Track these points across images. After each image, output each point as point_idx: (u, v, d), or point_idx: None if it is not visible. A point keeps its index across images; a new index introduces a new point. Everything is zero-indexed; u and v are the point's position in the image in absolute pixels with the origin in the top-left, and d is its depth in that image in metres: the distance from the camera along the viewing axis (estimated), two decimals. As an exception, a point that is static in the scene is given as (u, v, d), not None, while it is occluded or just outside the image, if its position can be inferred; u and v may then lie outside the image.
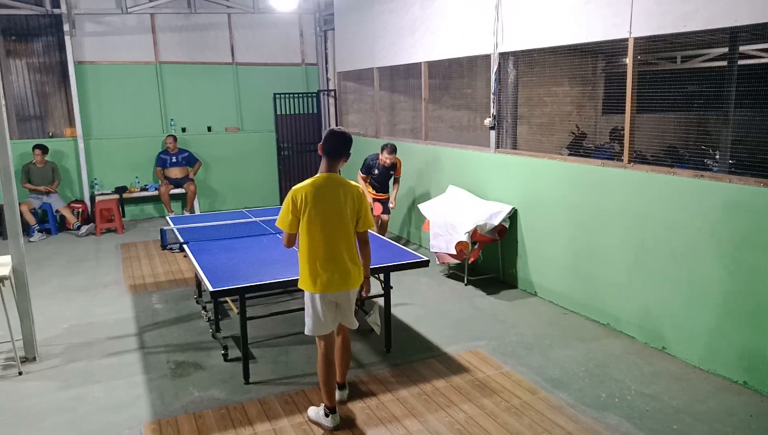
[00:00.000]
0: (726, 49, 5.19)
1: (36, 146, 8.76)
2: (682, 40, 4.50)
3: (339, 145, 3.45)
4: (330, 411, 3.57)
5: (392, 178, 7.26)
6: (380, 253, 4.71)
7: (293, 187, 3.44)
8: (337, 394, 3.77)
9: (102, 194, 9.40)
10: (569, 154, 5.79)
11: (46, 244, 8.41)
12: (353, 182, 3.55)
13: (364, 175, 7.20)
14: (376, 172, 7.14)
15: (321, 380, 3.58)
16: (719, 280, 4.04)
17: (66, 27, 8.96)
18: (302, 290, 3.55)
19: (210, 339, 4.92)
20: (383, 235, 6.51)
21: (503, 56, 5.86)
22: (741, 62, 4.94)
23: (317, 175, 3.48)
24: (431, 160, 7.30)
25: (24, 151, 8.85)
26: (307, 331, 3.56)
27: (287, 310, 5.29)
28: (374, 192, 7.27)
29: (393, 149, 6.93)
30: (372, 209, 6.88)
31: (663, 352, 4.49)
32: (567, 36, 5.08)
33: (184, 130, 10.11)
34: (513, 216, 5.88)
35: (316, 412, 3.66)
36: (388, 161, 6.94)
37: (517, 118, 6.03)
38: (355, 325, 3.69)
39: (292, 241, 3.51)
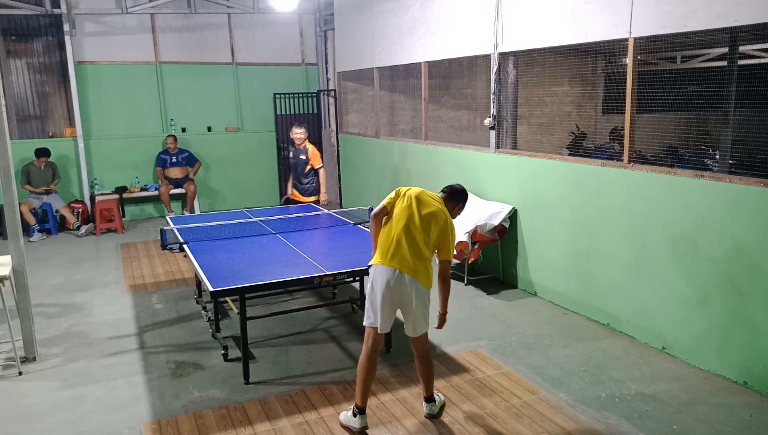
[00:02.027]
0: (726, 49, 5.19)
1: (41, 154, 8.74)
2: (682, 40, 4.50)
3: (460, 195, 3.74)
4: (359, 411, 3.53)
5: (310, 169, 7.01)
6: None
7: (401, 186, 3.66)
8: (425, 407, 3.71)
9: (102, 194, 9.41)
10: (569, 154, 5.79)
11: (46, 244, 8.41)
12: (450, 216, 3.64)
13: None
14: (290, 154, 6.98)
15: (358, 377, 3.54)
16: (719, 280, 4.04)
17: (66, 27, 8.96)
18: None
19: (210, 339, 4.92)
20: None
21: (503, 56, 5.86)
22: (741, 62, 4.94)
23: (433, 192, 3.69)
24: (431, 160, 7.30)
25: (25, 155, 8.80)
26: (365, 323, 3.58)
27: (287, 310, 5.30)
28: (294, 190, 7.09)
29: (301, 124, 6.98)
30: None
31: (663, 352, 4.49)
32: (567, 36, 5.08)
33: (184, 130, 10.12)
34: (513, 216, 5.88)
35: (345, 414, 3.61)
36: (296, 136, 6.87)
37: (517, 118, 6.02)
38: (416, 331, 3.55)
39: (380, 214, 3.59)
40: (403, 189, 3.62)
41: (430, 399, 3.71)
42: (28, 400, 4.01)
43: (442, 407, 3.76)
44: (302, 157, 7.00)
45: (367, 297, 3.57)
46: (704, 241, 4.10)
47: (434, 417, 3.68)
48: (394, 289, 3.43)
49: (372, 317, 3.52)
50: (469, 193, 6.29)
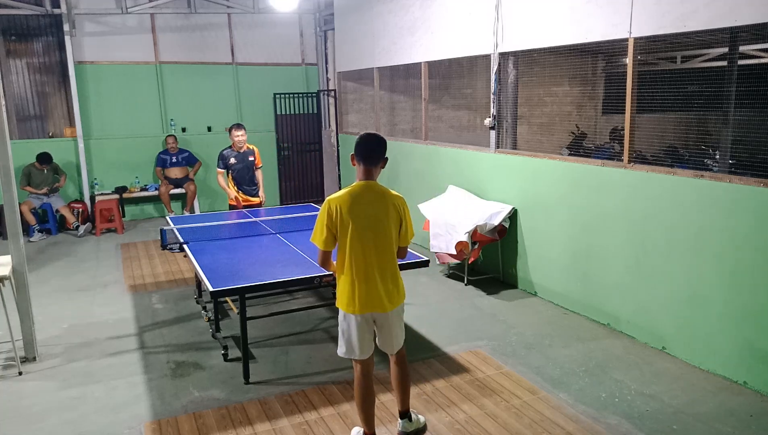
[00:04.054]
0: (726, 49, 5.19)
1: (43, 161, 8.71)
2: (682, 40, 4.50)
3: (374, 148, 3.15)
4: None
5: (254, 169, 6.81)
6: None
7: (328, 198, 3.13)
8: (399, 424, 3.45)
9: (102, 194, 9.40)
10: (569, 154, 5.79)
11: (46, 244, 8.41)
12: (394, 191, 3.23)
13: (221, 170, 6.66)
14: (233, 160, 6.65)
15: (356, 405, 3.33)
16: (719, 280, 4.04)
17: (66, 27, 8.96)
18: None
19: (210, 339, 4.92)
20: None
21: (503, 56, 5.86)
22: (741, 62, 4.94)
23: (354, 183, 3.18)
24: (431, 160, 7.30)
25: (25, 155, 8.77)
26: (339, 352, 3.31)
27: (287, 310, 5.30)
28: (244, 195, 6.76)
29: (241, 126, 6.68)
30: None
31: (663, 352, 4.49)
32: (567, 36, 5.08)
33: (184, 130, 10.11)
34: (513, 216, 5.88)
35: (357, 433, 3.42)
36: (239, 138, 6.57)
37: (517, 118, 6.03)
38: (394, 349, 3.34)
39: (326, 260, 3.22)
40: (332, 207, 3.08)
41: (405, 414, 3.43)
42: (28, 400, 4.01)
43: (419, 431, 3.47)
44: (251, 158, 6.75)
45: (341, 330, 3.27)
46: (704, 241, 4.10)
47: None
48: (370, 326, 3.25)
49: (354, 351, 3.25)
50: (467, 191, 6.39)
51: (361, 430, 3.38)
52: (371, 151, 3.15)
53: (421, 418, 3.56)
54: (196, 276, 4.98)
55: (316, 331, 5.05)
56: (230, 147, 6.77)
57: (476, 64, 6.71)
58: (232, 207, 6.85)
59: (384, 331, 3.28)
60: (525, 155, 5.74)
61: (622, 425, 3.55)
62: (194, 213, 9.60)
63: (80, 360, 4.61)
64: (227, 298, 5.10)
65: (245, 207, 6.78)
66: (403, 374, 3.40)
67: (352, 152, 3.18)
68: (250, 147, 6.85)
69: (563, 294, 5.43)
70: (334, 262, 3.30)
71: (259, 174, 6.93)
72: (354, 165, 3.21)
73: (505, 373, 4.21)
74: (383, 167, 3.23)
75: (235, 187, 6.77)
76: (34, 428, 3.68)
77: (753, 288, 3.83)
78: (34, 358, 4.60)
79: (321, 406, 3.82)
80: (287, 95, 10.60)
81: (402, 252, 3.31)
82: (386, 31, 7.92)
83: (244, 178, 6.79)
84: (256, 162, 6.84)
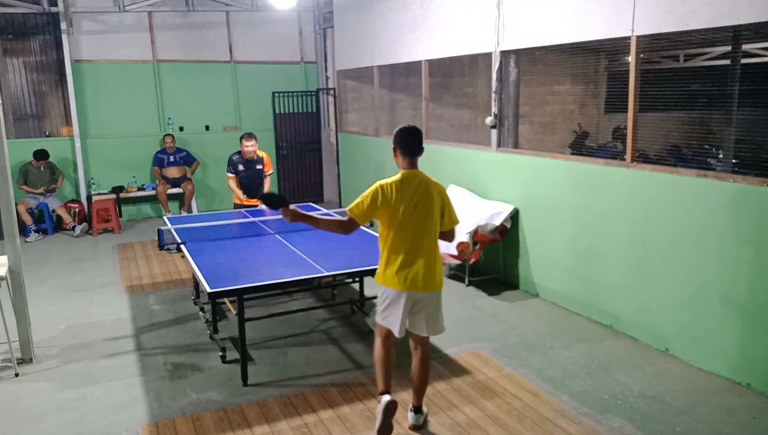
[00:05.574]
0: (729, 48, 5.16)
1: (40, 157, 8.68)
2: (684, 39, 4.47)
3: (417, 141, 3.40)
4: (381, 394, 3.46)
5: (264, 176, 6.84)
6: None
7: (379, 182, 3.35)
8: (411, 417, 3.57)
9: (99, 194, 9.35)
10: (571, 154, 5.76)
11: (42, 244, 8.36)
12: (435, 180, 3.46)
13: (231, 175, 6.69)
14: (241, 167, 6.66)
15: (375, 365, 3.55)
16: (722, 281, 4.00)
17: (63, 25, 8.91)
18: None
19: (208, 340, 4.88)
20: None
21: (504, 54, 5.82)
22: (744, 60, 4.91)
23: (401, 172, 3.40)
24: (432, 160, 7.23)
25: (21, 155, 8.72)
26: (376, 318, 3.52)
27: (286, 312, 5.26)
28: (246, 198, 6.71)
29: (252, 136, 6.63)
30: None
31: (665, 353, 4.46)
32: (569, 34, 5.05)
33: (181, 129, 10.06)
34: (514, 216, 5.84)
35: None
36: (249, 148, 6.54)
37: (519, 116, 5.99)
38: (427, 333, 3.49)
39: (352, 229, 3.40)
40: (386, 188, 3.33)
41: (418, 409, 3.57)
42: (24, 402, 3.97)
43: (426, 418, 3.62)
44: (258, 167, 6.74)
45: (383, 303, 3.45)
46: (707, 241, 4.07)
47: (420, 428, 3.54)
48: (409, 302, 3.42)
49: (386, 322, 3.45)
50: (469, 191, 6.34)
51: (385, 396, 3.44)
52: (413, 144, 3.41)
53: (425, 407, 3.68)
54: (194, 277, 4.94)
55: (315, 333, 5.02)
56: (239, 153, 6.71)
57: (477, 62, 6.68)
58: (236, 205, 6.85)
59: (416, 312, 3.44)
60: (527, 154, 5.70)
61: (624, 427, 3.51)
62: (192, 213, 9.55)
63: (78, 361, 4.57)
64: (225, 299, 5.06)
65: (250, 207, 6.75)
66: (423, 372, 3.53)
67: (394, 146, 3.44)
68: (260, 155, 6.78)
69: (565, 294, 5.40)
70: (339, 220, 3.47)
71: (266, 181, 6.88)
72: (396, 157, 3.46)
73: (506, 375, 4.18)
74: (420, 156, 3.46)
75: (245, 196, 6.77)
76: (30, 430, 3.65)
77: (756, 289, 3.80)
78: (31, 360, 4.56)
79: (320, 409, 3.78)
80: (286, 94, 10.56)
81: (449, 235, 3.53)
82: (386, 30, 7.88)
83: (251, 185, 6.78)
84: (264, 169, 6.80)
